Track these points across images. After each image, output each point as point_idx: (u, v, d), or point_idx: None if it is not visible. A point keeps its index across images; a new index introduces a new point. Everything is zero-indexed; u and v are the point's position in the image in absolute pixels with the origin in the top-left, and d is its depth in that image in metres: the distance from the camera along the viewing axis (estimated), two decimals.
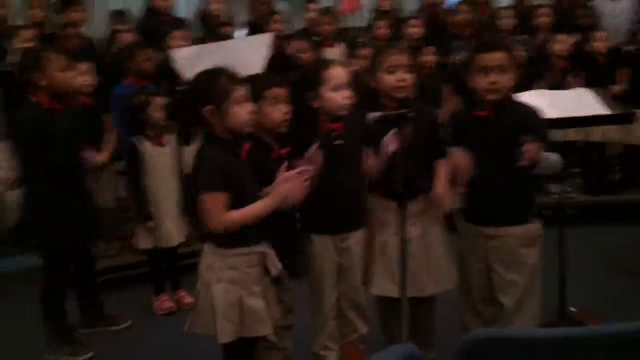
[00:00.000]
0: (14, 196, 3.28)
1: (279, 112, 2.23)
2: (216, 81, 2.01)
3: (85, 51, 4.55)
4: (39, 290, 2.96)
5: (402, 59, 2.40)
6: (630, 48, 4.81)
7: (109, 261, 3.81)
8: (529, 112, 2.35)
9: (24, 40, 4.11)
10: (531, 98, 2.69)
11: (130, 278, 3.78)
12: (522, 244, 2.36)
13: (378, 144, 2.31)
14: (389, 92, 2.40)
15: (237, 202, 2.01)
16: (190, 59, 3.59)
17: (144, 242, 3.36)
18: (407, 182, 2.06)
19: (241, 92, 2.03)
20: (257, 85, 2.19)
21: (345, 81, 2.33)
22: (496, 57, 2.30)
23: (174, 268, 3.54)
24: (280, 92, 2.25)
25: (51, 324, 2.96)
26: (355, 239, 2.43)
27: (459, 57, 4.86)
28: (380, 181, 2.37)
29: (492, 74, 2.28)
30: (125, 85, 3.87)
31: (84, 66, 3.68)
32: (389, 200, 2.33)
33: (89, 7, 6.21)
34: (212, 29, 5.04)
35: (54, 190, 2.83)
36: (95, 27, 5.84)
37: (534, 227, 2.39)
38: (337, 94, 2.31)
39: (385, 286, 2.42)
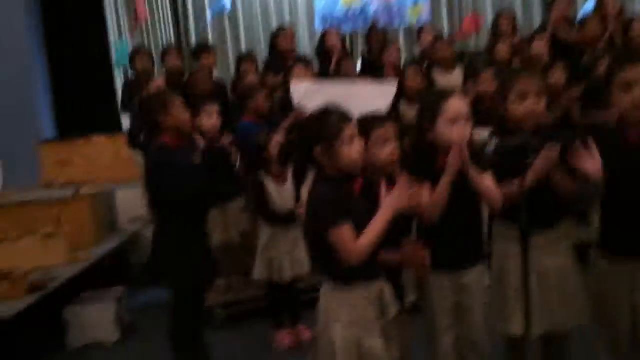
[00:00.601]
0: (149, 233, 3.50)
1: (385, 152, 2.20)
2: (326, 121, 2.02)
3: (215, 93, 4.84)
4: (169, 324, 3.05)
5: (533, 84, 2.27)
6: None
7: (231, 295, 3.94)
8: None
9: (156, 88, 4.39)
10: None
11: (252, 312, 3.86)
12: None
13: (498, 173, 2.20)
14: (518, 120, 2.28)
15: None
16: (309, 93, 3.64)
17: (260, 273, 3.44)
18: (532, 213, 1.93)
19: (351, 131, 2.02)
20: (363, 125, 2.17)
21: (463, 114, 2.23)
22: None
23: (294, 302, 3.58)
24: (387, 131, 2.22)
25: (181, 357, 3.04)
26: (475, 276, 2.30)
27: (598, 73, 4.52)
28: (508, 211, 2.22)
29: (637, 89, 2.04)
30: (245, 122, 4.04)
31: (210, 108, 3.78)
32: (516, 231, 2.17)
33: (224, 52, 6.71)
34: (328, 63, 5.13)
35: (182, 225, 2.92)
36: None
37: None
38: (453, 127, 2.21)
39: (513, 324, 2.26)
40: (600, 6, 5.05)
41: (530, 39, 4.84)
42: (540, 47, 4.63)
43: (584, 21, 4.86)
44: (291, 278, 3.45)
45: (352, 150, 2.00)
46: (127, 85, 5.23)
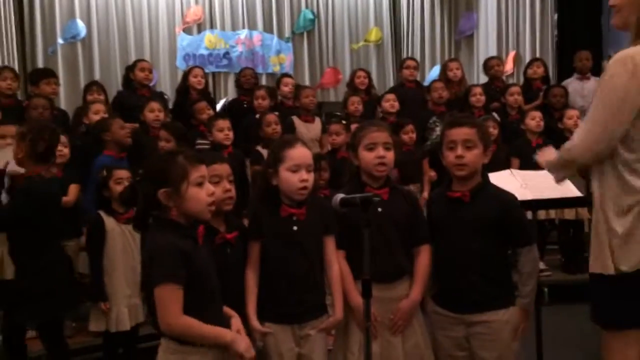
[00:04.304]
0: None
1: (219, 189, 2.14)
2: (172, 161, 1.89)
3: (58, 122, 4.47)
4: None
5: (382, 135, 2.35)
6: None
7: None
8: (507, 202, 2.30)
9: None
10: (503, 178, 2.65)
11: None
12: (508, 329, 2.27)
13: (344, 226, 2.24)
14: (368, 169, 2.35)
15: (199, 291, 1.87)
16: None
17: (96, 324, 3.16)
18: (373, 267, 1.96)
19: (201, 172, 1.91)
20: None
21: (305, 162, 2.24)
22: (462, 132, 2.27)
23: (130, 352, 3.29)
24: (220, 168, 2.18)
25: None
26: (316, 327, 2.27)
27: (435, 134, 4.91)
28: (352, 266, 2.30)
29: (458, 148, 2.26)
30: (106, 155, 3.83)
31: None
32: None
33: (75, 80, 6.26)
34: (187, 101, 5.02)
35: None
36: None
37: (515, 310, 2.31)
38: (294, 174, 2.22)
39: None
40: (444, 72, 5.55)
41: (381, 98, 5.15)
42: (390, 104, 4.96)
43: (430, 86, 5.29)
44: (131, 327, 3.17)
45: (200, 193, 1.90)
46: None
